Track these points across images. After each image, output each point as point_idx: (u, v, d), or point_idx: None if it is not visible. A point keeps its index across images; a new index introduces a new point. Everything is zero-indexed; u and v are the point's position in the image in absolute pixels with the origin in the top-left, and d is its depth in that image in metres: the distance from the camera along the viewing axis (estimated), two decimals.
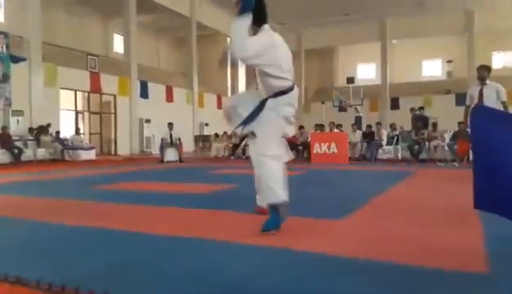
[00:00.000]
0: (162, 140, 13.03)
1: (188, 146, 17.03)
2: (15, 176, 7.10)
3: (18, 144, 12.14)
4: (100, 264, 2.19)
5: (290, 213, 3.08)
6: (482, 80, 6.17)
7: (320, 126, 13.62)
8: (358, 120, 15.71)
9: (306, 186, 6.35)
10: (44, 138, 13.16)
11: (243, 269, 2.08)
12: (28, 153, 12.22)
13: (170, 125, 12.98)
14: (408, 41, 26.16)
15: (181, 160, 12.62)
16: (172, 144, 12.80)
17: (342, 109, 17.82)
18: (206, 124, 22.36)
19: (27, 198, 4.84)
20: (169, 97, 20.27)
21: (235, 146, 15.10)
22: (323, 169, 9.47)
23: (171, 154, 12.67)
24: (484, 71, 6.24)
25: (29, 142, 12.81)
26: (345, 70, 27.55)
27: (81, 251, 2.49)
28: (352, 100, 17.58)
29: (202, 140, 17.74)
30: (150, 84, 18.89)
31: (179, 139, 13.17)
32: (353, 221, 3.33)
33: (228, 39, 25.95)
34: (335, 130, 13.15)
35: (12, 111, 13.17)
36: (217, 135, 16.82)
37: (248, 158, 14.24)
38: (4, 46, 12.79)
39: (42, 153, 12.80)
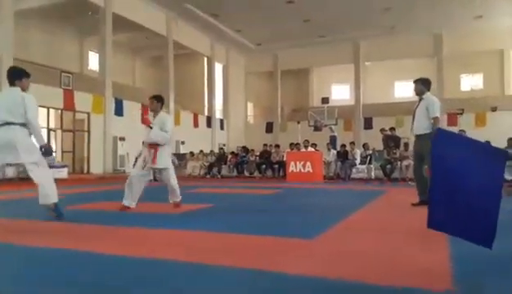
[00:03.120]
0: (136, 158, 12.84)
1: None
2: (8, 194, 6.85)
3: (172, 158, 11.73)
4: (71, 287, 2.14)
5: (263, 232, 3.09)
6: (418, 95, 5.55)
7: (295, 145, 13.81)
8: (333, 139, 16.00)
9: (280, 205, 6.40)
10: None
11: (207, 291, 2.08)
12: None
13: (143, 142, 12.83)
14: (381, 62, 27.05)
15: (155, 179, 12.45)
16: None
17: (317, 128, 18.09)
18: (182, 142, 22.22)
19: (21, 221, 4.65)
20: (145, 115, 20.04)
21: (211, 165, 15.08)
22: (298, 187, 9.55)
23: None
24: (419, 85, 5.55)
25: None
26: (320, 91, 28.14)
27: (53, 275, 2.43)
28: (326, 119, 17.92)
29: (178, 158, 17.57)
30: (125, 102, 18.71)
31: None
32: (325, 241, 3.36)
33: (205, 59, 26.24)
34: (310, 149, 13.35)
35: None
36: (192, 153, 16.73)
37: (223, 177, 14.26)
38: None
39: (11, 171, 12.35)
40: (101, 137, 17.46)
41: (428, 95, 5.48)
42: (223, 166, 15.18)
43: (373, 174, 12.65)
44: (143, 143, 5.39)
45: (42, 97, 14.93)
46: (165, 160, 5.26)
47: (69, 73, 16.67)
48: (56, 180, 4.37)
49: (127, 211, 5.02)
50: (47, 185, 4.10)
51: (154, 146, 5.15)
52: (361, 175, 12.69)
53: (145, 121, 5.29)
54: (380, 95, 27.00)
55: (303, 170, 11.73)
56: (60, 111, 16.70)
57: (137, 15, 19.19)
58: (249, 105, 31.55)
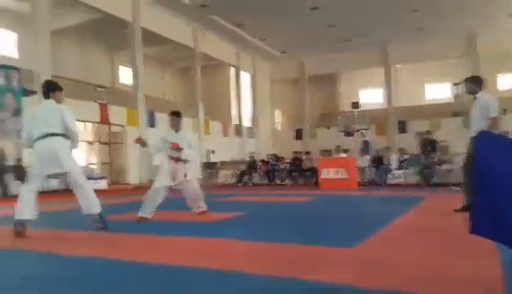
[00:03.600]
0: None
1: (197, 173, 17.08)
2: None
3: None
4: None
5: (298, 240, 3.05)
6: (471, 94, 5.19)
7: (327, 152, 13.66)
8: (365, 144, 15.72)
9: (314, 212, 6.33)
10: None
11: None
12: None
13: None
14: (410, 65, 26.46)
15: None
16: None
17: (348, 133, 17.86)
18: (212, 151, 22.48)
19: (41, 229, 4.84)
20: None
21: (243, 173, 15.15)
22: (332, 195, 9.42)
23: None
24: (468, 83, 5.20)
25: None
26: (349, 95, 27.78)
27: (96, 283, 2.50)
28: (357, 124, 17.66)
29: (209, 167, 17.79)
30: (157, 114, 19.15)
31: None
32: (365, 249, 3.26)
33: (232, 69, 26.52)
34: (342, 154, 13.17)
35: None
36: (223, 162, 16.88)
37: (254, 185, 14.29)
38: (16, 81, 13.12)
39: (54, 183, 12.90)
40: (136, 148, 17.92)
41: (481, 93, 5.08)
42: (254, 174, 15.21)
43: (410, 179, 12.31)
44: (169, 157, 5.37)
45: (79, 112, 15.53)
46: (191, 172, 5.47)
47: (102, 87, 17.26)
48: (96, 191, 4.50)
49: (144, 221, 5.04)
50: (90, 195, 4.18)
51: (183, 160, 5.29)
52: (397, 180, 12.37)
53: (174, 146, 5.27)
54: (411, 97, 26.37)
55: (336, 176, 11.56)
56: (96, 125, 17.28)
57: (165, 28, 19.65)
58: (277, 113, 31.55)
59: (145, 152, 5.55)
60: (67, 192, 4.21)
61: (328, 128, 19.31)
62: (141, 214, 5.11)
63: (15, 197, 4.57)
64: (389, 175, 12.44)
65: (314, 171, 13.30)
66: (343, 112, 23.64)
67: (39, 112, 4.25)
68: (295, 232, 4.22)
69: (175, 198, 5.82)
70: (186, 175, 5.28)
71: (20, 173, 11.74)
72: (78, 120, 16.09)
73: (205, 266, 2.72)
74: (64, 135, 4.12)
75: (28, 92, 13.35)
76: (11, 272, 2.86)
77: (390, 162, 12.57)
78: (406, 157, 12.79)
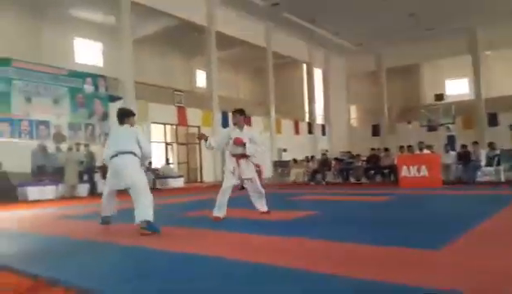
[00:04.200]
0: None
1: (267, 172, 17.15)
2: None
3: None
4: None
5: (377, 242, 2.83)
6: None
7: (409, 148, 12.80)
8: (451, 140, 14.50)
9: (394, 212, 5.92)
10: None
11: None
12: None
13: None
14: (503, 51, 23.88)
15: (243, 187, 12.68)
16: None
17: (431, 128, 16.63)
18: (284, 150, 22.44)
19: (127, 224, 5.15)
20: (248, 125, 20.75)
21: (315, 172, 14.85)
22: (413, 194, 8.79)
23: None
24: None
25: None
26: (433, 87, 25.93)
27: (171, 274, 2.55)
28: (442, 118, 16.37)
29: (281, 165, 17.74)
30: (230, 114, 19.58)
31: (258, 165, 13.29)
32: (450, 252, 2.99)
33: (304, 66, 26.26)
34: (425, 151, 12.26)
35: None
36: (295, 160, 16.70)
37: (328, 184, 13.91)
38: (104, 88, 14.28)
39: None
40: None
41: None
42: (327, 172, 14.81)
43: (502, 177, 11.08)
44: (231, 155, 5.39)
45: (159, 115, 16.51)
46: (252, 170, 5.39)
47: (180, 91, 18.10)
48: (174, 189, 4.67)
49: (218, 221, 5.08)
50: (142, 203, 4.32)
51: (243, 157, 5.29)
52: (487, 178, 11.20)
53: (238, 141, 5.28)
54: (503, 87, 23.74)
55: (417, 174, 10.78)
56: (174, 126, 18.18)
57: (238, 30, 20.06)
58: (352, 108, 30.55)
59: (207, 148, 5.54)
60: (151, 190, 4.43)
61: (409, 123, 18.14)
62: (215, 214, 5.19)
63: (101, 195, 5.02)
64: (478, 173, 11.30)
65: (393, 169, 12.58)
66: (425, 105, 22.13)
67: (117, 133, 4.77)
68: (373, 232, 4.00)
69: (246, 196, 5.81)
70: (244, 173, 5.26)
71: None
72: (159, 122, 17.12)
73: (278, 265, 2.67)
74: (133, 153, 4.57)
75: (113, 98, 14.47)
76: (100, 263, 3.03)
77: (479, 157, 11.41)
78: (496, 152, 11.53)
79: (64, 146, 12.14)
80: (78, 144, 12.29)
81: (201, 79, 22.04)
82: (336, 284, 2.26)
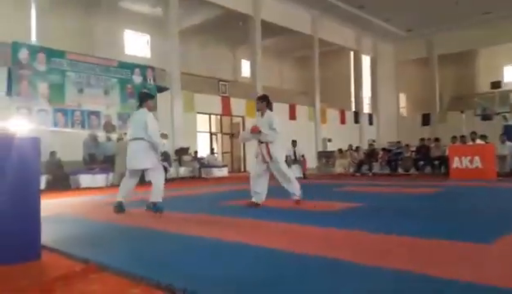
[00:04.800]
0: (286, 156, 13.21)
1: (311, 162, 16.96)
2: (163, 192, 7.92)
3: (164, 164, 13.63)
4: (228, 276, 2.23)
5: (424, 234, 2.70)
6: None
7: (461, 138, 12.15)
8: (507, 129, 13.56)
9: (443, 205, 5.65)
10: (185, 158, 14.59)
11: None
12: (171, 172, 13.70)
13: (294, 142, 13.10)
14: None
15: (305, 176, 12.61)
16: (295, 160, 12.88)
17: (486, 117, 15.65)
18: (329, 140, 22.07)
19: (174, 212, 5.28)
20: (292, 115, 20.63)
21: (361, 162, 14.48)
22: (464, 186, 8.34)
23: (295, 171, 12.74)
24: None
25: (172, 162, 14.34)
26: (488, 74, 24.34)
27: (220, 263, 2.58)
28: (498, 107, 15.34)
29: (325, 155, 17.47)
30: (274, 104, 19.48)
31: (303, 155, 13.20)
32: (505, 246, 2.84)
33: (352, 53, 25.54)
34: (479, 141, 11.57)
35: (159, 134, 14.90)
36: (340, 150, 16.38)
37: (374, 175, 13.52)
38: (151, 79, 14.69)
39: (183, 171, 14.23)
40: (283, 128, 18.58)
41: None
42: (374, 163, 14.40)
43: None
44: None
45: (204, 105, 16.79)
46: (276, 153, 5.39)
47: (225, 81, 18.27)
48: (219, 178, 4.74)
49: (256, 207, 5.27)
50: (156, 187, 4.99)
51: (265, 143, 5.38)
52: None
53: (253, 130, 5.46)
54: None
55: (470, 166, 10.21)
56: (219, 116, 18.42)
57: (284, 18, 19.86)
58: (401, 97, 29.41)
59: (240, 142, 5.93)
60: (196, 179, 4.71)
61: (462, 112, 17.12)
62: (253, 199, 5.41)
63: (149, 183, 5.23)
64: None
65: (444, 160, 12.01)
66: (480, 93, 20.86)
67: (133, 118, 5.21)
68: (419, 225, 3.82)
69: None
70: (268, 156, 5.32)
71: (168, 160, 13.07)
72: (204, 113, 17.40)
73: (324, 255, 2.64)
74: (144, 140, 4.95)
75: (161, 89, 14.86)
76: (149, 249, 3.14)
77: None
78: None
79: (114, 136, 12.66)
80: (127, 134, 12.75)
81: (246, 69, 22.11)
82: (378, 276, 2.18)
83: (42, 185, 9.32)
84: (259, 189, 5.40)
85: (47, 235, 3.21)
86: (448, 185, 8.58)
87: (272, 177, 5.56)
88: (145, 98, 5.18)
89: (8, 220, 2.70)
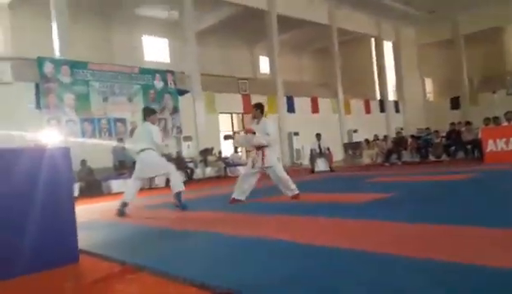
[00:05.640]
0: (311, 150, 13.10)
1: (338, 155, 16.75)
2: (190, 193, 7.98)
3: (190, 165, 13.82)
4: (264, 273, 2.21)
5: (461, 222, 2.58)
6: None
7: (494, 120, 11.66)
8: None
9: (479, 191, 5.42)
10: (210, 158, 14.71)
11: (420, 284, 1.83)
12: (198, 172, 13.84)
13: (318, 135, 12.96)
14: None
15: (331, 169, 12.45)
16: (321, 154, 12.74)
17: None
18: (354, 131, 21.72)
19: (203, 212, 5.37)
20: (315, 108, 20.42)
21: (390, 151, 14.17)
22: (501, 170, 7.99)
23: (321, 164, 12.61)
24: None
25: (198, 163, 14.49)
26: None
27: (252, 260, 2.59)
28: None
29: (352, 147, 17.20)
30: (295, 98, 19.39)
31: (328, 148, 13.03)
32: None
33: (372, 40, 25.02)
34: None
35: (183, 137, 15.11)
36: (367, 140, 16.08)
37: (404, 164, 13.20)
38: (172, 83, 14.86)
39: (209, 171, 14.35)
40: (277, 134, 18.57)
41: None
42: (403, 151, 14.05)
43: None
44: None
45: (225, 105, 16.84)
46: (271, 159, 5.67)
47: (244, 79, 18.26)
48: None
49: (236, 203, 5.64)
50: (176, 180, 5.65)
51: (261, 148, 5.64)
52: None
53: (248, 130, 5.92)
54: None
55: (505, 148, 9.78)
56: (240, 115, 18.43)
57: (300, 10, 19.64)
58: (427, 81, 28.62)
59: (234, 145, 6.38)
60: (222, 178, 4.88)
61: (494, 92, 16.50)
62: (234, 196, 5.75)
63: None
64: None
65: (477, 144, 11.58)
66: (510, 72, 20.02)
67: (139, 131, 5.84)
68: (455, 213, 3.67)
69: (320, 180, 5.69)
70: (263, 162, 5.58)
71: (181, 163, 13.28)
72: (226, 112, 17.45)
73: (356, 248, 2.58)
74: (152, 149, 5.59)
75: (182, 92, 15.01)
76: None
77: None
78: None
79: None
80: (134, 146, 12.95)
81: (265, 65, 22.04)
82: (420, 266, 2.08)
83: (76, 192, 9.59)
84: (246, 187, 5.74)
85: (83, 240, 3.29)
86: (483, 170, 8.24)
87: (264, 178, 5.91)
88: (148, 113, 5.80)
89: (46, 227, 2.81)
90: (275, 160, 5.75)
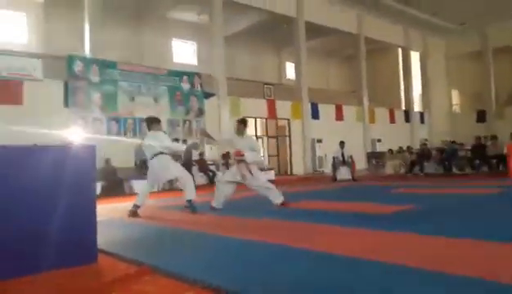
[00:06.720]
0: (334, 158, 13.00)
1: (360, 164, 16.54)
2: (210, 196, 8.06)
3: (212, 167, 13.92)
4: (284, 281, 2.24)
5: (483, 236, 2.55)
6: None
7: None
8: None
9: (506, 206, 5.28)
10: (231, 162, 14.77)
11: None
12: (219, 176, 13.89)
13: (341, 143, 12.86)
14: None
15: (354, 178, 12.32)
16: (344, 162, 12.63)
17: None
18: (378, 140, 21.40)
19: (224, 216, 5.41)
20: (339, 116, 20.27)
21: (413, 162, 13.92)
22: None
23: (344, 173, 12.50)
24: None
25: (220, 166, 14.57)
26: None
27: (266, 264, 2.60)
28: None
29: (375, 156, 16.97)
30: (320, 105, 19.30)
31: (351, 157, 12.90)
32: None
33: (400, 50, 24.69)
34: None
35: (206, 140, 15.18)
36: (391, 151, 15.84)
37: (427, 175, 12.93)
38: (199, 85, 15.04)
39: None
40: (300, 141, 18.50)
41: None
42: (427, 163, 13.77)
43: None
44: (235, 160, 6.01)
45: (250, 109, 16.90)
46: (254, 169, 5.83)
47: (270, 84, 18.31)
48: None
49: (214, 210, 5.82)
50: (188, 188, 5.72)
51: (242, 161, 5.75)
52: None
53: (237, 154, 5.86)
54: None
55: None
56: (264, 120, 18.48)
57: (328, 18, 19.62)
58: (454, 93, 27.96)
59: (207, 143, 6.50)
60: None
61: None
62: (212, 204, 5.92)
63: (199, 186, 5.55)
64: None
65: (502, 159, 11.25)
66: None
67: (147, 140, 5.82)
68: (477, 227, 3.67)
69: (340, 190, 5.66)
70: (251, 173, 5.73)
71: (203, 166, 13.45)
72: (250, 117, 17.47)
73: (376, 260, 2.58)
74: (165, 153, 5.70)
75: (207, 95, 15.18)
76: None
77: None
78: None
79: None
80: (176, 140, 13.12)
81: (291, 71, 22.05)
82: (437, 280, 2.08)
83: (98, 191, 9.80)
84: (223, 196, 5.89)
85: (103, 239, 3.33)
86: (509, 185, 8.01)
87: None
88: (152, 122, 5.93)
89: (67, 225, 2.82)
90: (257, 170, 5.95)
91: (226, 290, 2.11)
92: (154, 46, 17.21)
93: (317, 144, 18.82)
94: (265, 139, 19.37)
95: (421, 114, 25.26)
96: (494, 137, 12.71)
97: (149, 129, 5.92)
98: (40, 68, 11.50)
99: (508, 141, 11.51)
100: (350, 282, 2.20)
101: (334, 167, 12.74)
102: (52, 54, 12.51)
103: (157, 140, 5.65)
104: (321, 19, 19.28)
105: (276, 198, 5.78)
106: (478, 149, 12.66)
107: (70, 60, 11.95)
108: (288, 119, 18.44)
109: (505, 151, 11.09)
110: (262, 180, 5.92)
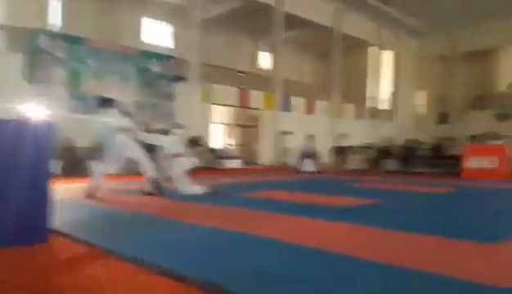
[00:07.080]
0: (301, 151, 13.21)
1: (326, 157, 16.87)
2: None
3: None
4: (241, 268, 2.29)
5: (432, 232, 2.89)
6: None
7: (478, 138, 11.92)
8: None
9: (454, 204, 5.63)
10: (198, 149, 14.66)
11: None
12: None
13: (308, 136, 13.07)
14: None
15: (318, 171, 12.58)
16: (310, 155, 12.86)
17: (504, 117, 15.27)
18: (344, 135, 21.86)
19: (188, 203, 5.37)
20: (310, 109, 20.50)
21: (375, 159, 14.37)
22: (477, 186, 8.27)
23: (308, 165, 12.74)
24: None
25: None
26: (510, 74, 23.65)
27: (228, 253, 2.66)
28: None
29: (339, 151, 17.35)
30: (292, 98, 19.43)
31: (317, 150, 13.15)
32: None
33: (372, 48, 25.11)
34: (494, 141, 11.35)
35: (173, 124, 14.98)
36: (354, 146, 16.24)
37: (387, 172, 13.38)
38: (169, 69, 14.71)
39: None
40: (269, 132, 18.57)
41: None
42: (388, 160, 14.24)
43: None
44: None
45: (221, 96, 16.75)
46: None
47: (243, 72, 18.15)
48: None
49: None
50: (145, 170, 5.93)
51: None
52: None
53: None
54: None
55: (484, 166, 10.04)
56: (235, 108, 18.38)
57: (306, 10, 19.64)
58: (422, 94, 28.86)
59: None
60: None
61: (482, 111, 16.74)
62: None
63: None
64: None
65: (457, 159, 11.82)
66: (501, 93, 20.33)
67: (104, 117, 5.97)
68: (428, 223, 3.88)
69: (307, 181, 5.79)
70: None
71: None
72: (220, 104, 17.37)
73: (331, 250, 2.68)
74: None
75: (178, 78, 14.91)
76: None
77: None
78: None
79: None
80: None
81: (265, 61, 22.00)
82: (381, 270, 2.22)
83: (58, 170, 9.52)
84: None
85: (57, 219, 3.22)
86: (460, 185, 8.46)
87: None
88: (105, 104, 6.13)
89: (18, 202, 2.73)
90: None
91: (188, 277, 2.09)
92: (126, 25, 16.67)
93: (286, 136, 19.00)
94: (234, 127, 19.35)
95: (388, 112, 25.94)
96: (451, 139, 13.32)
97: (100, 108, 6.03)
98: (2, 40, 10.96)
99: (465, 143, 12.07)
100: (295, 268, 2.30)
101: (301, 160, 12.95)
102: (17, 26, 11.91)
103: (112, 119, 5.80)
104: (299, 10, 19.29)
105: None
106: (437, 149, 13.22)
107: (35, 33, 11.43)
108: (260, 109, 18.46)
109: (460, 152, 11.63)
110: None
